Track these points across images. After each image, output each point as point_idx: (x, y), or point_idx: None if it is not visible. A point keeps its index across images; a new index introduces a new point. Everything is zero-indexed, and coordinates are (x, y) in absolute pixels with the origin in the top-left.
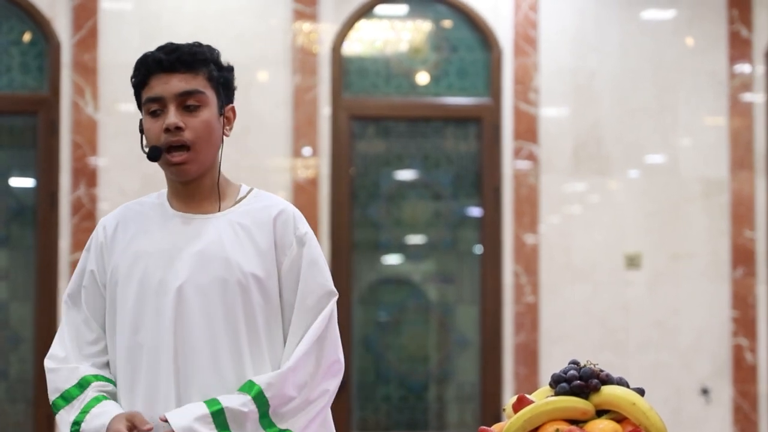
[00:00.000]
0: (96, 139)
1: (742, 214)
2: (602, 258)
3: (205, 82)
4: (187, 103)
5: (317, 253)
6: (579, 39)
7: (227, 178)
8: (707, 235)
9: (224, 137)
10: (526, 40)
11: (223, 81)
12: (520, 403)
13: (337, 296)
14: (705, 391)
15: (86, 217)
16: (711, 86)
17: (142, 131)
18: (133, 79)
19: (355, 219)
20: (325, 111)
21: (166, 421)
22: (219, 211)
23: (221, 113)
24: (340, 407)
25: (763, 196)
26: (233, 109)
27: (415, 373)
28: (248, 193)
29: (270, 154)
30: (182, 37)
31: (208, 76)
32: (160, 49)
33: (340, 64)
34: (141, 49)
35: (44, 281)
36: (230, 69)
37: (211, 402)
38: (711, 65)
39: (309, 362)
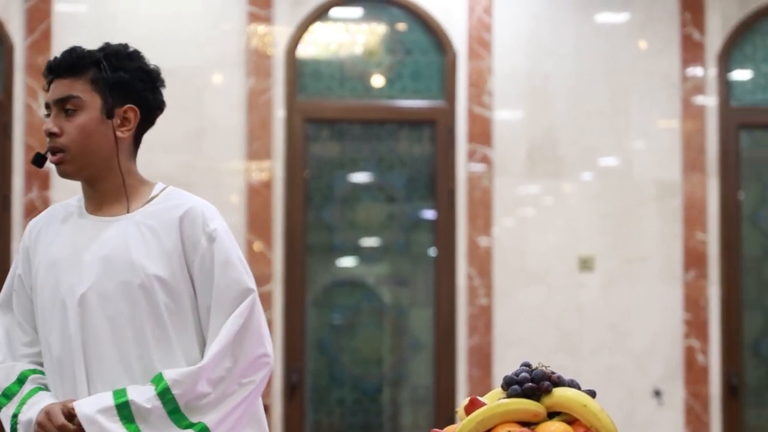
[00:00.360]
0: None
1: (694, 216)
2: (556, 261)
3: (87, 85)
4: (65, 107)
5: (229, 249)
6: (533, 42)
7: (142, 178)
8: (660, 237)
9: (119, 137)
10: (480, 43)
11: (114, 82)
12: (473, 406)
13: (254, 293)
14: (657, 393)
15: None
16: (664, 89)
17: None
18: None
19: (309, 222)
20: (279, 113)
21: (74, 415)
22: (128, 212)
23: (110, 115)
24: (293, 410)
25: (715, 198)
26: (133, 110)
27: (369, 376)
28: (161, 191)
29: (224, 156)
30: (136, 40)
31: (91, 78)
32: (63, 52)
33: (295, 67)
34: None
35: None
36: (133, 69)
37: (118, 393)
38: (664, 68)
39: (225, 359)
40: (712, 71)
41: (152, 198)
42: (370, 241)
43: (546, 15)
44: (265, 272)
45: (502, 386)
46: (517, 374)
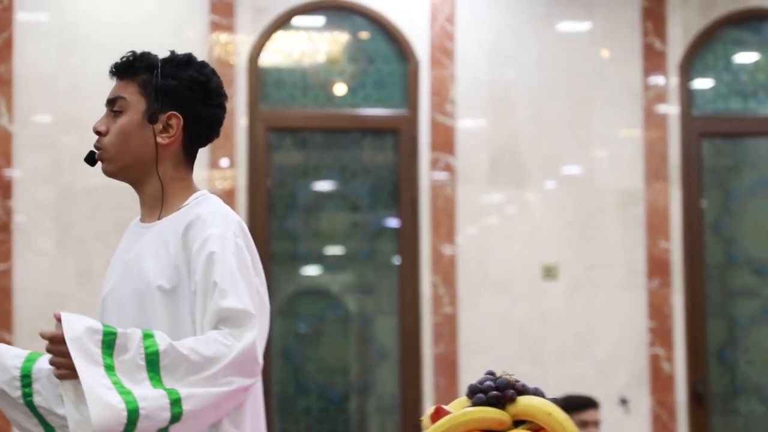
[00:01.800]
0: (11, 150)
1: (657, 224)
2: (520, 269)
3: (136, 88)
4: (114, 108)
5: (214, 245)
6: (495, 51)
7: (188, 187)
8: (623, 245)
9: (160, 142)
10: (443, 51)
11: (161, 88)
12: (438, 414)
13: (218, 287)
14: (623, 401)
15: (1, 229)
16: (626, 98)
17: None
18: None
19: (273, 230)
20: (242, 122)
21: (59, 320)
22: (158, 220)
23: (153, 119)
24: None
25: (677, 206)
26: (176, 117)
27: (336, 385)
28: (194, 200)
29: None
30: (100, 48)
31: (141, 82)
32: (125, 54)
33: (257, 76)
34: (58, 61)
35: None
36: (187, 79)
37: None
38: (626, 77)
39: (219, 345)
40: (674, 80)
41: (183, 206)
42: (334, 250)
43: (508, 24)
44: None
45: (467, 395)
46: (481, 382)
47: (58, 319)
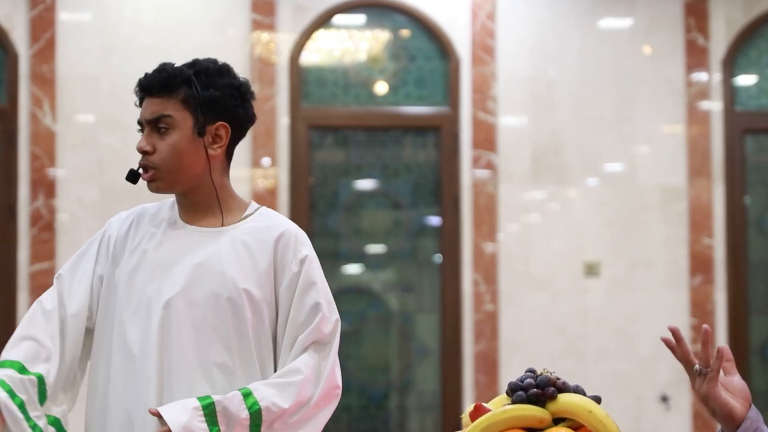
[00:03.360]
0: (54, 150)
1: (699, 221)
2: (561, 266)
3: (179, 104)
4: (158, 126)
5: (316, 276)
6: (537, 48)
7: (235, 194)
8: (665, 242)
9: (211, 154)
10: (484, 49)
11: (205, 101)
12: (477, 412)
13: (323, 313)
14: (664, 399)
15: (45, 228)
16: (668, 94)
17: None
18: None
19: (315, 229)
20: (283, 121)
21: (157, 415)
22: (222, 225)
23: (202, 133)
24: None
25: (720, 203)
26: (225, 127)
27: (376, 383)
28: (255, 210)
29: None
30: (141, 48)
31: (183, 97)
32: (154, 70)
33: (299, 74)
34: (100, 61)
35: (3, 293)
36: (224, 86)
37: (202, 398)
38: (668, 73)
39: (309, 386)
40: (717, 76)
41: (247, 216)
42: (375, 248)
43: (549, 21)
44: None
45: (507, 392)
46: (521, 380)
47: (157, 415)
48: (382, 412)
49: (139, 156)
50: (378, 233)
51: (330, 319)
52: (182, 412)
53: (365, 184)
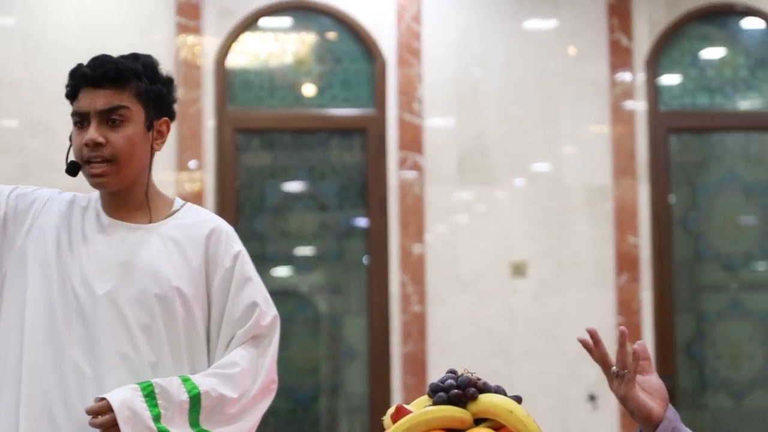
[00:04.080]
0: None
1: (625, 220)
2: (488, 267)
3: (132, 97)
4: (111, 117)
5: (250, 271)
6: (463, 49)
7: (159, 190)
8: (592, 242)
9: (154, 151)
10: (410, 51)
11: (154, 95)
12: (399, 414)
13: (260, 308)
14: (592, 398)
15: None
16: (593, 95)
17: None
18: (66, 89)
19: (242, 231)
20: (209, 124)
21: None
22: (150, 222)
23: (150, 127)
24: None
25: (646, 202)
26: (167, 123)
27: (304, 385)
28: (181, 207)
29: (155, 167)
30: (66, 52)
31: (136, 91)
32: (91, 61)
33: (224, 77)
34: (24, 65)
35: None
36: (166, 82)
37: (142, 383)
38: (593, 74)
39: (247, 378)
40: (641, 76)
41: (174, 212)
42: (303, 250)
43: (475, 22)
44: None
45: (428, 393)
46: (442, 381)
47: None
48: (310, 415)
49: (63, 156)
50: (305, 235)
51: (268, 313)
52: (122, 392)
53: (292, 187)
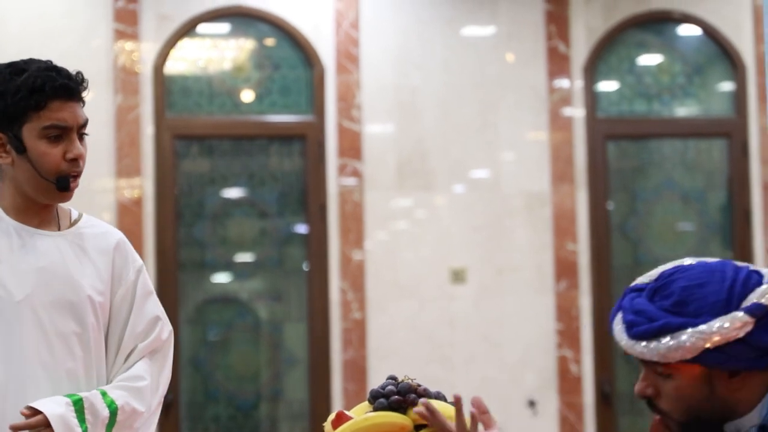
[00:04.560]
0: None
1: (564, 227)
2: (428, 273)
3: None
4: (82, 132)
5: (150, 285)
6: (401, 56)
7: None
8: (531, 248)
9: None
10: (348, 57)
11: None
12: (339, 420)
13: (162, 322)
14: (532, 404)
15: None
16: (532, 101)
17: (20, 151)
18: (21, 100)
19: (181, 238)
20: (148, 131)
21: (30, 414)
22: (59, 230)
23: None
24: (168, 428)
25: (584, 208)
26: None
27: (245, 392)
28: (80, 216)
29: (94, 174)
30: (6, 57)
31: (83, 104)
32: (56, 72)
33: (163, 84)
34: None
35: None
36: None
37: (70, 395)
38: (531, 80)
39: (154, 393)
40: (579, 83)
41: (76, 221)
42: (243, 257)
43: (413, 29)
44: None
45: (369, 400)
46: (383, 387)
47: (28, 414)
48: (250, 421)
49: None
50: (245, 242)
51: (166, 327)
52: (56, 405)
53: (231, 193)
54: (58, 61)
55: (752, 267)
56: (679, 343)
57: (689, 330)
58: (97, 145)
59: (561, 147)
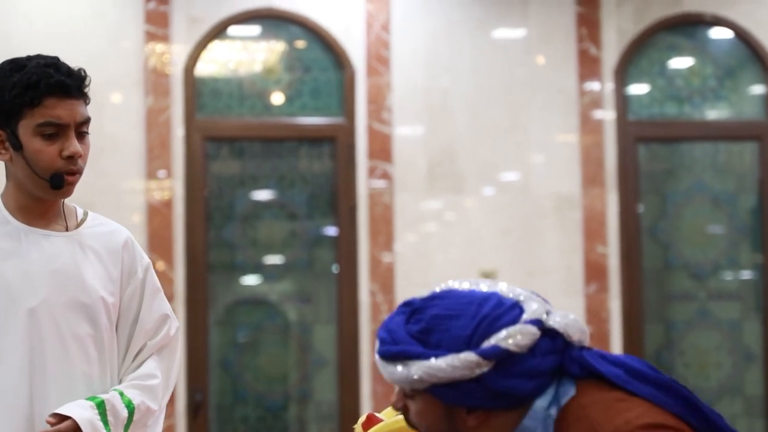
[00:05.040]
0: None
1: (594, 229)
2: (458, 275)
3: (86, 108)
4: (82, 130)
5: (157, 282)
6: (431, 58)
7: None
8: (560, 251)
9: None
10: (379, 59)
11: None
12: (369, 422)
13: (171, 319)
14: None
15: None
16: (562, 104)
17: (17, 148)
18: (15, 96)
19: (211, 240)
20: (178, 132)
21: (57, 421)
22: (67, 231)
23: None
24: (197, 429)
25: (614, 211)
26: None
27: (274, 393)
28: (86, 215)
29: (124, 176)
30: None
31: (87, 101)
32: (56, 69)
33: (193, 86)
34: None
35: None
36: None
37: (90, 398)
38: (561, 83)
39: (166, 392)
40: (609, 86)
41: (82, 220)
42: (272, 259)
43: (443, 31)
44: (167, 292)
45: None
46: None
47: (54, 423)
48: (279, 422)
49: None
50: (274, 244)
51: (174, 324)
52: (83, 410)
53: (261, 195)
54: (87, 63)
55: (532, 298)
56: (408, 374)
57: (419, 362)
58: (128, 147)
59: (591, 149)
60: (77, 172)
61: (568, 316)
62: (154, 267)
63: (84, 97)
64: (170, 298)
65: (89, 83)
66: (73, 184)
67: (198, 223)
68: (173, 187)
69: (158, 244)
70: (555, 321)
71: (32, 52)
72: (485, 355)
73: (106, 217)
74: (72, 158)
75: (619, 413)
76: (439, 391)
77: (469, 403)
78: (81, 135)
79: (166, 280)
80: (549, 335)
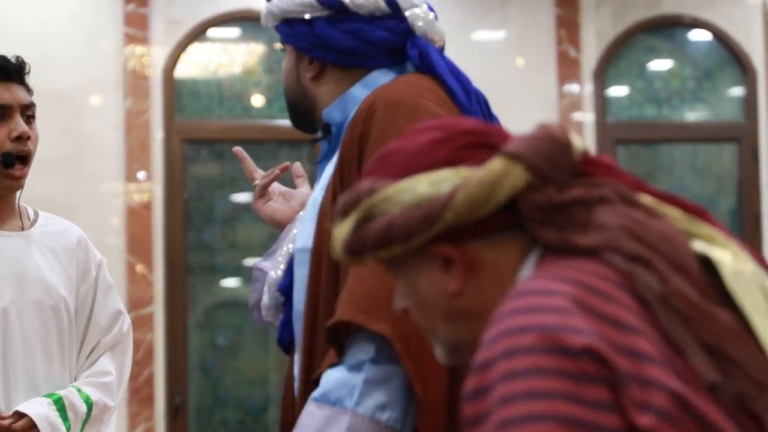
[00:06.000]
0: None
1: None
2: None
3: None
4: (28, 113)
5: (110, 279)
6: None
7: None
8: None
9: None
10: None
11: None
12: None
13: (123, 315)
14: None
15: None
16: (542, 106)
17: None
18: None
19: (190, 243)
20: (158, 134)
21: (14, 419)
22: (23, 230)
23: None
24: None
25: None
26: None
27: (254, 396)
28: (36, 214)
29: (103, 178)
30: None
31: (28, 88)
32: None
33: (173, 88)
34: None
35: None
36: None
37: (48, 395)
38: (541, 85)
39: (119, 389)
40: (588, 88)
41: (35, 219)
42: (252, 262)
43: None
44: (147, 294)
45: None
46: None
47: (15, 417)
48: (259, 425)
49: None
50: (254, 246)
51: (126, 321)
52: (38, 406)
53: (241, 198)
54: (67, 65)
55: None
56: (269, 9)
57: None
58: (107, 149)
59: None
60: (27, 154)
61: (435, 24)
62: (134, 270)
63: (24, 84)
64: (150, 300)
65: (29, 71)
66: (23, 176)
67: (177, 226)
68: (153, 190)
69: (137, 246)
70: (415, 15)
71: (10, 54)
72: (322, 1)
73: (86, 219)
74: (21, 138)
75: None
76: (280, 28)
77: (302, 45)
78: (28, 120)
79: (145, 282)
80: (400, 19)
